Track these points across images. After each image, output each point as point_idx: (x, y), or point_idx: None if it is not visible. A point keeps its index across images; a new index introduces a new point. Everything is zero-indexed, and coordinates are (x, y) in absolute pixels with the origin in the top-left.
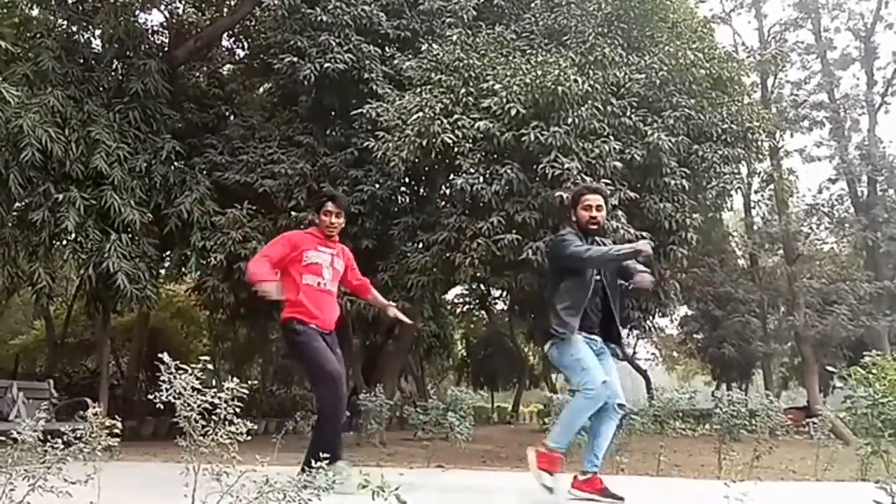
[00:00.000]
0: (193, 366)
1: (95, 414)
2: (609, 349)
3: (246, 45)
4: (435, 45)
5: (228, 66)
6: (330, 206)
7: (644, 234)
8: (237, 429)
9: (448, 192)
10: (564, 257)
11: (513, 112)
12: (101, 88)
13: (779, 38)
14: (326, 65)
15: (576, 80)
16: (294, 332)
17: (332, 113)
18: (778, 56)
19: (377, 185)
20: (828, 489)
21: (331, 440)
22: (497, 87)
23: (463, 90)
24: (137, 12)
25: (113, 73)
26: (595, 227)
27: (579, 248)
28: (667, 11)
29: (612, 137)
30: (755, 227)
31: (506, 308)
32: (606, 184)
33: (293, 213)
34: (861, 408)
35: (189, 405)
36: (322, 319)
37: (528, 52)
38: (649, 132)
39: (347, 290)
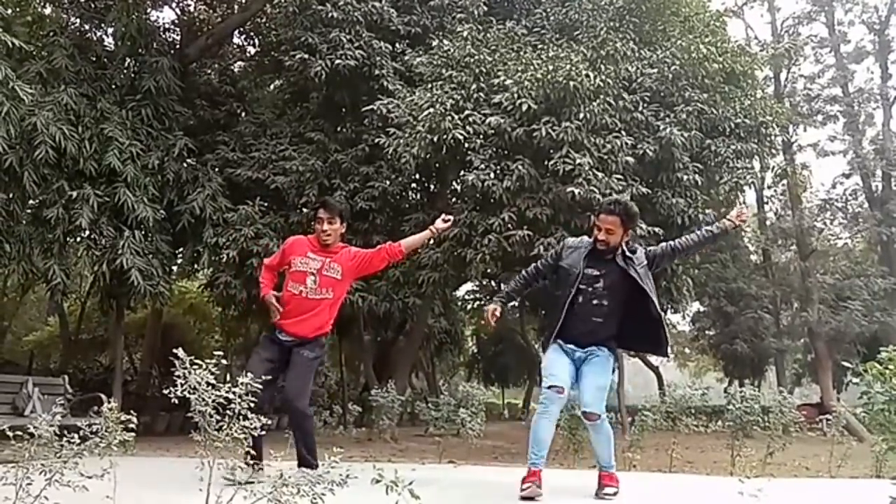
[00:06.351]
0: (208, 361)
1: (111, 409)
2: (604, 350)
3: (257, 42)
4: (445, 41)
5: (240, 63)
6: (321, 212)
7: (656, 229)
8: (251, 424)
9: (459, 188)
10: None
11: (524, 107)
12: (113, 86)
13: (792, 31)
14: (337, 61)
15: (587, 75)
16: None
17: (343, 109)
18: (791, 50)
19: (388, 182)
20: (842, 486)
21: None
22: (508, 82)
23: (474, 86)
24: (149, 10)
25: (125, 71)
26: (604, 247)
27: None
28: (679, 5)
29: (623, 132)
30: (768, 223)
31: (516, 304)
32: (618, 179)
33: (304, 210)
34: (878, 403)
35: (204, 400)
36: (292, 326)
37: (540, 47)
38: (661, 127)
39: (384, 268)
